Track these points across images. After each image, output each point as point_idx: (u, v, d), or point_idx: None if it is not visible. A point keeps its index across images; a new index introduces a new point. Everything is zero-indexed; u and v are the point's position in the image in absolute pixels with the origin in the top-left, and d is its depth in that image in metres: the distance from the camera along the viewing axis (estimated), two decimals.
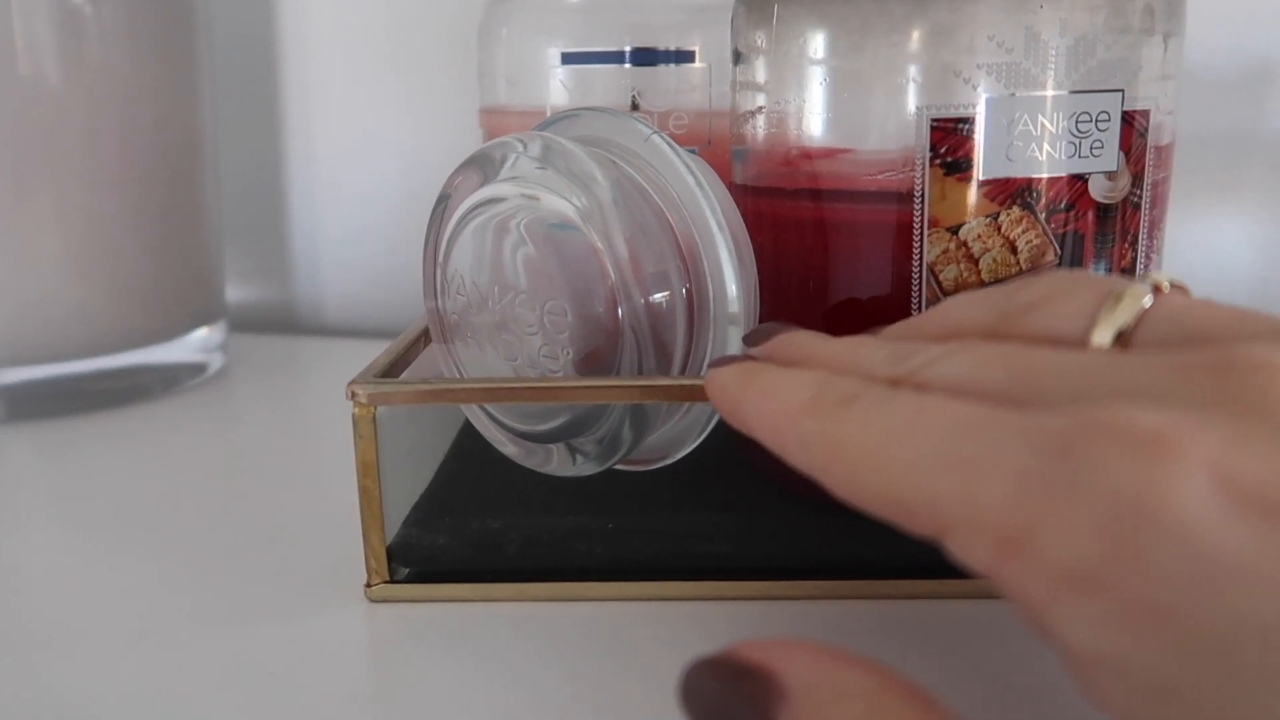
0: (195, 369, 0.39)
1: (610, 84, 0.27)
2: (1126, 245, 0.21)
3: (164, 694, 0.18)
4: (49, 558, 0.24)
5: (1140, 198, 0.21)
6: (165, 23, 0.36)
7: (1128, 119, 0.20)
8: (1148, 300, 0.13)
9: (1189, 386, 0.11)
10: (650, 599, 0.21)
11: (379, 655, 0.20)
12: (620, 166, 0.22)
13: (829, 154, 0.21)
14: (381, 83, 0.44)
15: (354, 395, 0.20)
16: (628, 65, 0.27)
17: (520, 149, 0.21)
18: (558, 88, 0.27)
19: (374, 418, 0.20)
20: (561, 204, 0.21)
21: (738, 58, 0.24)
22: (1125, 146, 0.20)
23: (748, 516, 0.22)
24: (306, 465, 0.30)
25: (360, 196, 0.45)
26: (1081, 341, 0.13)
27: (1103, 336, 0.13)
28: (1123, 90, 0.20)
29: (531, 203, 0.21)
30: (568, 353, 0.21)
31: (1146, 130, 0.20)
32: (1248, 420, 0.10)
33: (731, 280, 0.21)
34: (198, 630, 0.20)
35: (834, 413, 0.13)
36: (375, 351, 0.23)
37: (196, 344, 0.39)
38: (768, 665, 0.12)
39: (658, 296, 0.21)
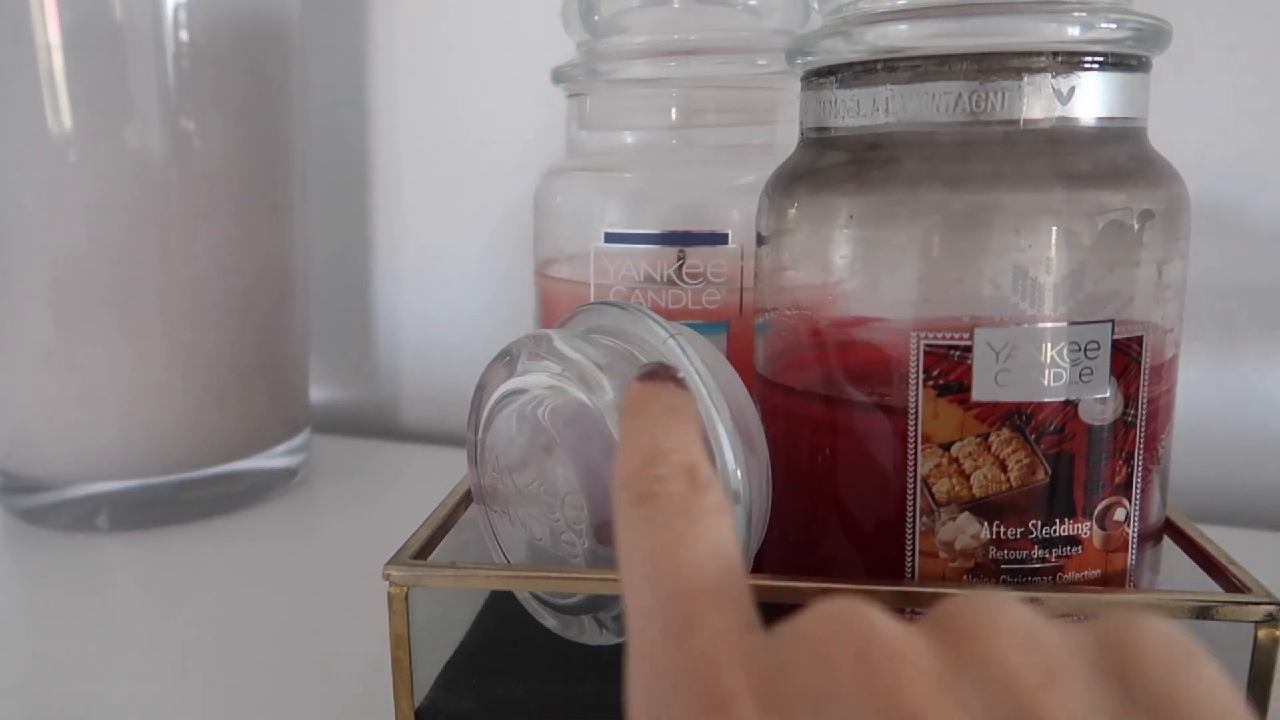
0: (286, 474, 0.42)
1: (653, 258, 0.29)
2: (1120, 462, 0.21)
3: None
4: (121, 666, 0.27)
5: (1134, 417, 0.21)
6: (266, 168, 0.39)
7: (1119, 346, 0.21)
8: None
9: None
10: None
11: None
12: (635, 359, 0.24)
13: (827, 357, 0.23)
14: (462, 213, 0.47)
15: (389, 577, 0.22)
16: (664, 247, 0.29)
17: (544, 344, 0.23)
18: (601, 264, 0.29)
19: (406, 596, 0.22)
20: (578, 397, 0.23)
21: (760, 241, 0.25)
22: (1117, 372, 0.21)
23: None
24: (371, 593, 0.33)
25: (439, 316, 0.48)
26: None
27: None
28: (1112, 321, 0.21)
29: (553, 394, 0.23)
30: (584, 541, 0.23)
31: (1140, 354, 0.21)
32: None
33: (731, 462, 0.22)
34: None
35: None
36: (449, 460, 0.25)
37: (283, 452, 0.42)
38: None
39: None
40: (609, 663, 0.24)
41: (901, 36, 0.21)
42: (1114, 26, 0.21)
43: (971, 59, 0.21)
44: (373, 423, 0.51)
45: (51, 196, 0.35)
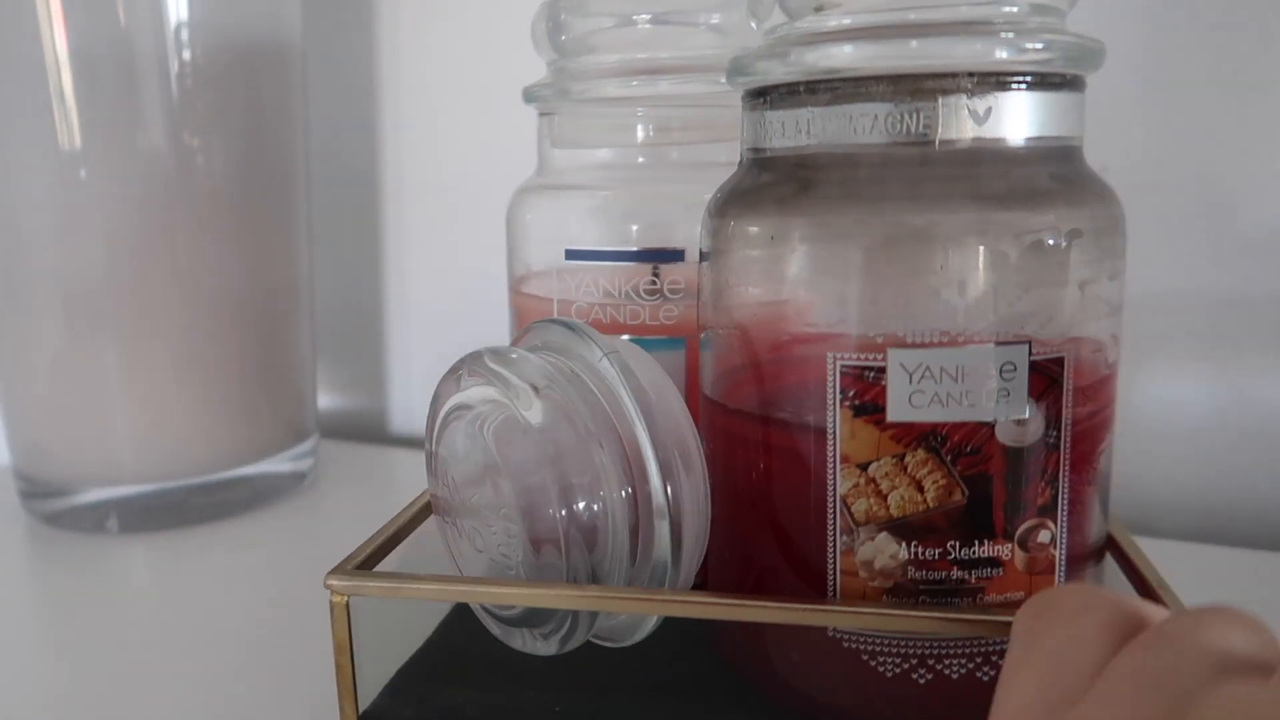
0: (293, 479, 0.44)
1: (613, 275, 0.29)
2: (1043, 484, 0.21)
3: None
4: (129, 662, 0.29)
5: (1058, 439, 0.21)
6: (268, 183, 0.41)
7: (1038, 368, 0.21)
8: None
9: None
10: None
11: None
12: (579, 380, 0.24)
13: (749, 378, 0.23)
14: (467, 225, 0.48)
15: (330, 586, 0.23)
16: (624, 263, 0.29)
17: (478, 361, 0.24)
18: (564, 281, 0.30)
19: (347, 605, 0.23)
20: (512, 413, 0.23)
21: (701, 258, 0.25)
22: (1036, 393, 0.21)
23: (698, 709, 0.23)
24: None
25: (445, 326, 0.49)
26: None
27: None
28: (1029, 342, 0.20)
29: (493, 409, 0.24)
30: (518, 554, 0.24)
31: (1061, 375, 0.21)
32: None
33: (656, 479, 0.23)
34: None
35: None
36: None
37: (290, 457, 0.44)
38: None
39: (596, 504, 0.23)
40: (550, 675, 0.25)
41: (823, 59, 0.21)
42: (1038, 47, 0.21)
43: (887, 81, 0.21)
44: (380, 429, 0.52)
45: (62, 212, 0.37)
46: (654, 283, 0.30)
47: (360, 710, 0.24)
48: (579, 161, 0.32)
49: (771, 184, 0.23)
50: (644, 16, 0.30)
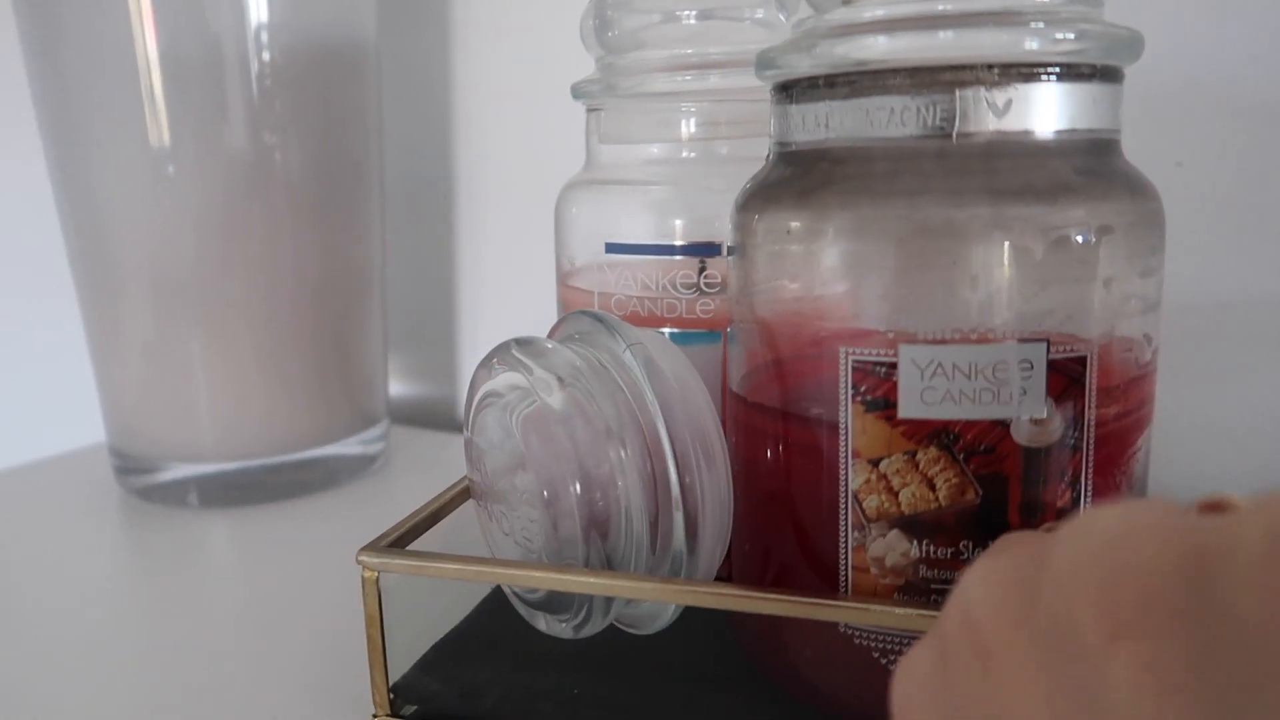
0: (364, 461, 0.45)
1: (651, 269, 0.30)
2: (1064, 486, 0.21)
3: None
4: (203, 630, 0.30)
5: (1080, 440, 0.21)
6: (343, 178, 0.43)
7: (1057, 366, 0.20)
8: None
9: None
10: None
11: None
12: (604, 371, 0.25)
13: (772, 373, 0.23)
14: (538, 220, 0.49)
15: (361, 562, 0.24)
16: (663, 257, 0.29)
17: (506, 351, 0.25)
18: (604, 275, 0.30)
19: (377, 580, 0.24)
20: (538, 400, 0.24)
21: (728, 253, 0.26)
22: (1055, 393, 0.20)
23: (717, 696, 0.24)
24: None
25: (515, 318, 0.50)
26: None
27: None
28: (1047, 340, 0.20)
29: (519, 397, 0.24)
30: (539, 540, 0.24)
31: (1083, 375, 0.20)
32: None
33: (673, 472, 0.23)
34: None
35: None
36: None
37: (361, 441, 0.45)
38: None
39: (615, 494, 0.23)
40: (575, 659, 0.26)
41: (850, 51, 0.21)
42: (1069, 37, 0.20)
43: (904, 74, 0.20)
44: (449, 417, 0.53)
45: (152, 205, 0.39)
46: (702, 276, 0.30)
47: (390, 682, 0.25)
48: (626, 157, 0.32)
49: (792, 178, 0.23)
50: (690, 12, 0.30)
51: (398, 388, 0.54)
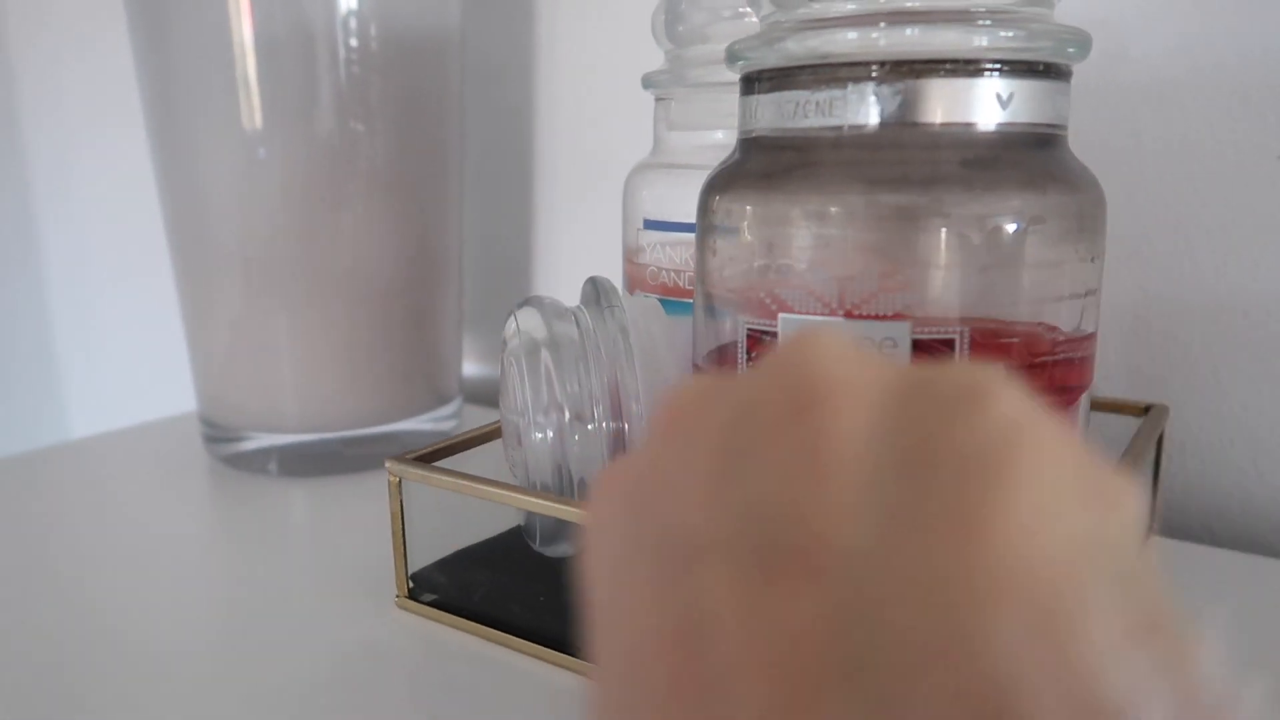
0: (437, 437, 0.43)
1: (688, 245, 0.33)
2: None
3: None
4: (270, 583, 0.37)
5: None
6: (424, 163, 0.43)
7: (922, 346, 0.21)
8: None
9: None
10: (554, 663, 0.27)
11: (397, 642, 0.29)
12: (589, 330, 0.28)
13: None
14: (611, 204, 0.52)
15: (388, 468, 0.30)
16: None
17: (520, 304, 0.29)
18: (657, 253, 0.33)
19: (400, 484, 0.30)
20: (536, 349, 0.28)
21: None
22: None
23: None
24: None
25: None
26: None
27: None
28: (910, 320, 0.21)
29: (521, 344, 0.29)
30: (522, 471, 0.28)
31: (951, 357, 0.21)
32: None
33: (635, 417, 0.26)
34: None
35: None
36: None
37: (434, 418, 0.46)
38: None
39: (586, 436, 0.27)
40: (544, 572, 0.30)
41: (805, 45, 0.23)
42: (1014, 35, 0.21)
43: (807, 70, 0.22)
44: None
45: (243, 186, 0.40)
46: None
47: (409, 571, 0.30)
48: (691, 142, 0.35)
49: (731, 164, 0.25)
50: (751, 10, 0.33)
51: (471, 367, 0.56)
